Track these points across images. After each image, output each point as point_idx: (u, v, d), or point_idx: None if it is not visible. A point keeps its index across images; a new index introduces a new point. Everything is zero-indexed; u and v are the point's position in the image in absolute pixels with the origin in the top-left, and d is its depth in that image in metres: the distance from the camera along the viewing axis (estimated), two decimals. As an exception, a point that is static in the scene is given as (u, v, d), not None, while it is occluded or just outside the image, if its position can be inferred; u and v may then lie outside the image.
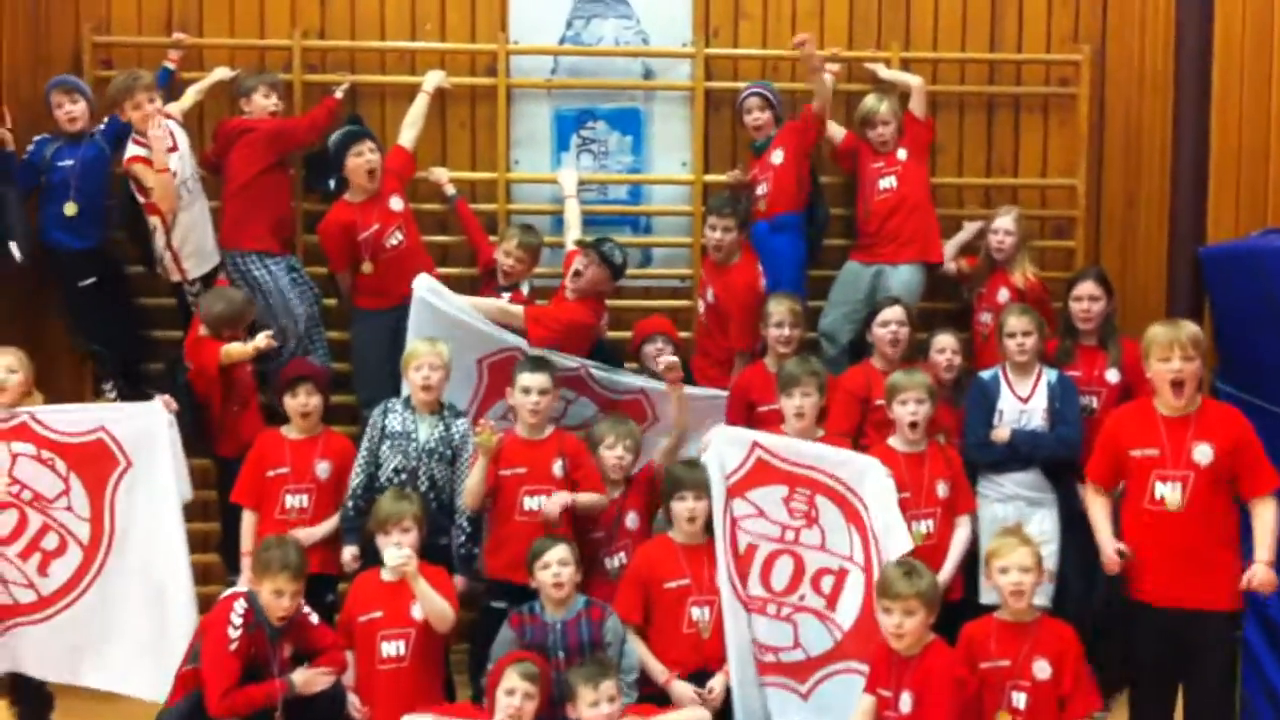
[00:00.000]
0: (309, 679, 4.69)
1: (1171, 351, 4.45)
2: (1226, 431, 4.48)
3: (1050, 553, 5.19)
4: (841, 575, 4.91)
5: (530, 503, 5.11)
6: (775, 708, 4.93)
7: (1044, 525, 5.26)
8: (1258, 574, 4.43)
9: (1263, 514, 4.45)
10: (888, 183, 6.16)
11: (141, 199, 5.89)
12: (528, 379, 5.19)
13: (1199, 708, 4.61)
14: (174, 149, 5.86)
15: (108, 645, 5.18)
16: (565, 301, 5.76)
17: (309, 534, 5.22)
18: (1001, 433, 5.32)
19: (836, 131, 6.28)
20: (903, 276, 6.07)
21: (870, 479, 4.90)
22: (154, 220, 5.91)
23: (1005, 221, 6.04)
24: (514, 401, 5.25)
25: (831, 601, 4.92)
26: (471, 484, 5.12)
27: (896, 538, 4.80)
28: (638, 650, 4.93)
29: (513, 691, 4.51)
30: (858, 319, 5.96)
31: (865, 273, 6.14)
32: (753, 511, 4.99)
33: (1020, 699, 4.46)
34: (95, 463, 5.18)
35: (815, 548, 4.93)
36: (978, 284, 6.15)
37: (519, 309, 5.72)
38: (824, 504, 4.93)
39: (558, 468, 5.17)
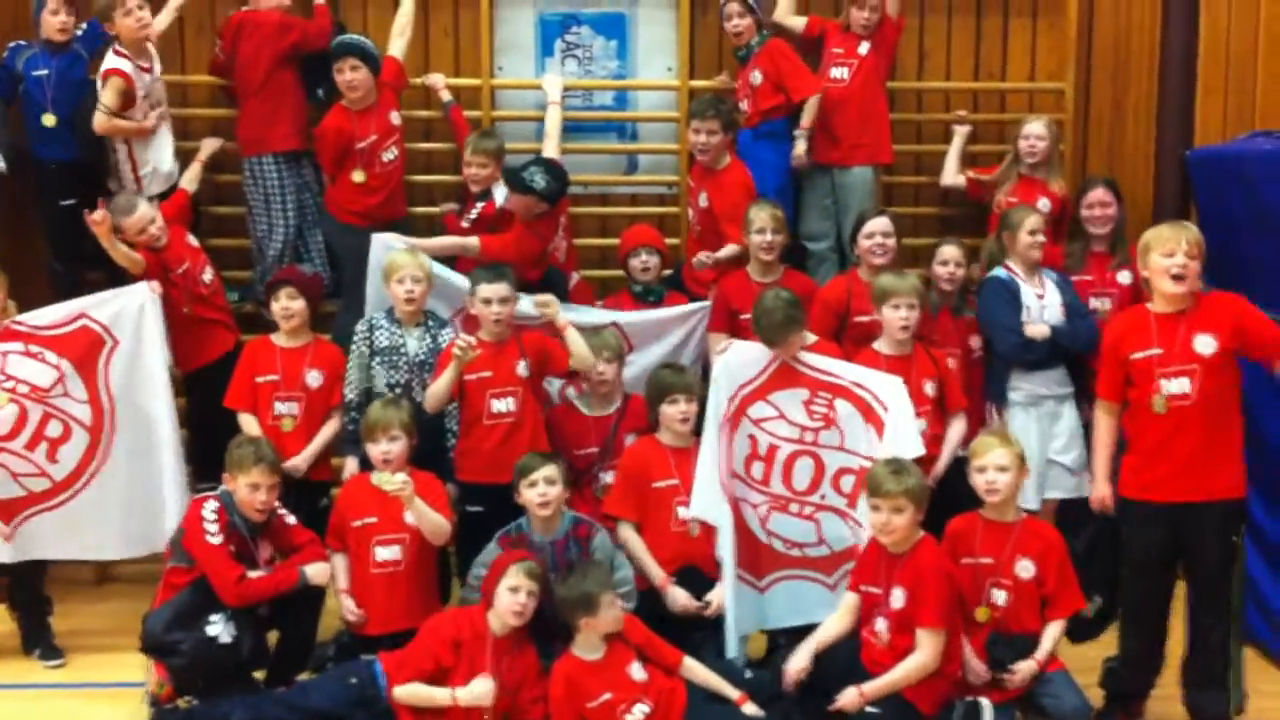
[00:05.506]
0: (320, 570, 4.75)
1: (1178, 245, 4.37)
2: (1225, 316, 4.40)
3: (1081, 444, 5.32)
4: (861, 474, 4.82)
5: (498, 405, 5.12)
6: (795, 601, 4.98)
7: (1073, 422, 5.36)
8: None
9: None
10: (839, 72, 6.12)
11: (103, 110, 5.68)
12: (487, 290, 5.14)
13: (1201, 598, 4.50)
14: (148, 69, 5.78)
15: (115, 517, 5.31)
16: (516, 225, 5.67)
17: (294, 465, 5.23)
18: (1040, 329, 5.31)
19: (798, 23, 6.22)
20: (857, 177, 6.10)
21: (889, 387, 4.89)
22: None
23: (1035, 127, 5.94)
24: (476, 311, 5.21)
25: (853, 500, 4.90)
26: (438, 389, 5.10)
27: (908, 444, 4.77)
28: (635, 550, 4.96)
29: (517, 589, 4.45)
30: (830, 217, 6.11)
31: (822, 174, 6.17)
32: (773, 414, 4.99)
33: (1000, 596, 4.53)
34: (83, 346, 5.25)
35: (835, 448, 4.94)
36: (1001, 190, 6.01)
37: (474, 241, 5.63)
38: (843, 406, 4.92)
39: (521, 368, 5.16)
